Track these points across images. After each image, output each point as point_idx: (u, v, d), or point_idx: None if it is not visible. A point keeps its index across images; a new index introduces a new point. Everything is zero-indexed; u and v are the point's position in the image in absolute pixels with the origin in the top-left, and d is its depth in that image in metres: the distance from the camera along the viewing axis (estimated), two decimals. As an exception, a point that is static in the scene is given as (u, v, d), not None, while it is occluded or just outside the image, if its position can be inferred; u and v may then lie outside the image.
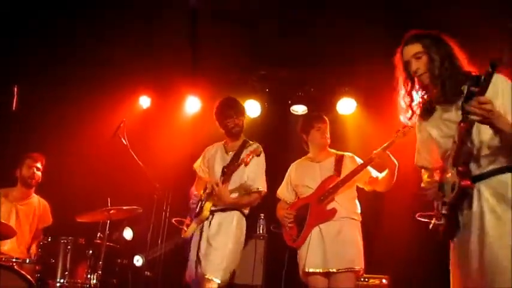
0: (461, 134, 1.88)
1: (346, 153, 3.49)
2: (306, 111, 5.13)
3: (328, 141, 3.50)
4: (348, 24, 4.35)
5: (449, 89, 2.03)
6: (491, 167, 1.94)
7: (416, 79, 2.15)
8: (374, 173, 3.35)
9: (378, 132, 4.70)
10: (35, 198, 4.19)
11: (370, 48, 4.34)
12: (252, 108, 5.19)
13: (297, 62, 4.96)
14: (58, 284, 3.50)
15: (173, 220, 3.97)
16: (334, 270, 3.09)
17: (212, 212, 3.22)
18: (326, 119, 3.59)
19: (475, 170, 1.94)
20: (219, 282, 3.04)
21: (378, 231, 3.46)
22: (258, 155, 3.18)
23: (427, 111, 2.16)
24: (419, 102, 2.18)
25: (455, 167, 1.92)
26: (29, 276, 3.29)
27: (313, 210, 3.28)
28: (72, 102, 4.91)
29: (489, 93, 1.84)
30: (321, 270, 3.13)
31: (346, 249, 3.13)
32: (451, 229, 1.99)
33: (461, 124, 1.88)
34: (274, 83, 5.26)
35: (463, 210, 1.97)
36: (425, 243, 1.96)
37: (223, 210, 3.23)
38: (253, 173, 3.28)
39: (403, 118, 2.25)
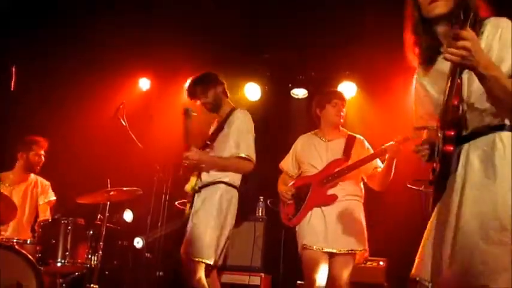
0: (451, 90, 1.60)
1: (357, 136, 3.33)
2: (307, 95, 5.11)
3: (342, 120, 3.34)
4: (348, 8, 4.31)
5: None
6: (478, 125, 1.67)
7: (423, 9, 1.74)
8: (380, 166, 3.20)
9: (378, 116, 4.70)
10: (30, 179, 4.20)
11: (371, 31, 4.31)
12: (252, 91, 5.18)
13: (298, 46, 4.93)
14: (59, 264, 3.51)
15: (176, 203, 3.99)
16: (335, 251, 3.04)
17: (199, 189, 3.06)
18: (345, 97, 3.46)
19: (464, 130, 1.69)
20: (207, 261, 2.85)
21: (376, 214, 3.44)
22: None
23: (428, 60, 1.80)
24: (421, 45, 1.80)
25: (442, 130, 1.67)
26: (30, 256, 3.32)
27: (314, 191, 3.20)
28: (71, 83, 4.90)
29: (487, 36, 1.63)
30: (321, 249, 3.06)
31: (348, 230, 3.06)
32: (438, 197, 1.75)
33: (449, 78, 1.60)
34: (275, 66, 5.23)
35: (450, 175, 1.70)
36: (424, 225, 1.90)
37: (208, 185, 3.04)
38: (235, 137, 3.05)
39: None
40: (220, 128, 3.15)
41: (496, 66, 1.55)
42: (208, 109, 3.25)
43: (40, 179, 4.24)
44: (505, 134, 1.64)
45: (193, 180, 3.10)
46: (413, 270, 1.80)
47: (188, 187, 3.11)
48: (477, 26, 1.65)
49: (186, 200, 3.41)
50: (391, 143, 3.04)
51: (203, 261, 2.85)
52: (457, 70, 1.58)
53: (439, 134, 1.70)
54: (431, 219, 1.80)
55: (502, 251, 1.53)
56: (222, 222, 2.94)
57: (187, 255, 2.91)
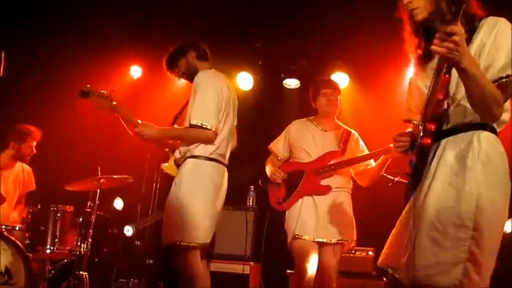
0: (435, 84, 1.63)
1: (352, 131, 3.33)
2: (299, 85, 5.10)
3: (336, 109, 3.31)
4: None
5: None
6: (460, 122, 1.70)
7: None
8: (371, 164, 3.22)
9: (370, 107, 4.72)
10: (18, 164, 4.16)
11: (364, 22, 4.30)
12: (245, 80, 5.16)
13: (291, 36, 4.91)
14: (48, 251, 3.51)
15: None
16: (325, 240, 3.07)
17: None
18: (336, 84, 3.40)
19: (444, 125, 1.73)
20: (183, 243, 2.61)
21: (364, 204, 3.47)
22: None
23: (424, 58, 1.85)
24: (416, 45, 1.86)
25: (423, 123, 1.70)
26: (18, 242, 3.31)
27: (308, 179, 3.19)
28: (62, 69, 4.85)
29: (482, 35, 1.66)
30: (311, 239, 3.08)
31: (338, 221, 3.09)
32: (413, 189, 1.79)
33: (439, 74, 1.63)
34: (268, 55, 5.21)
35: (424, 168, 1.74)
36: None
37: (180, 162, 2.81)
38: (191, 104, 2.75)
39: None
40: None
41: (478, 66, 1.58)
42: (186, 80, 3.01)
43: (25, 166, 4.21)
44: (483, 134, 1.67)
45: (171, 159, 2.93)
46: (380, 259, 1.85)
47: (168, 168, 2.95)
48: (472, 25, 1.69)
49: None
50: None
51: (183, 243, 2.62)
52: (443, 65, 1.60)
53: (420, 127, 1.73)
54: (405, 210, 1.83)
55: (456, 245, 1.58)
56: (191, 199, 2.67)
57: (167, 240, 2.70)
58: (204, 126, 2.69)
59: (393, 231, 1.85)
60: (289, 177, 3.25)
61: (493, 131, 1.70)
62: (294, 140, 3.34)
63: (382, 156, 3.12)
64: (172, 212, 2.69)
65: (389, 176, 2.52)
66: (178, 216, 2.65)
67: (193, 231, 2.64)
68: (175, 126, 2.96)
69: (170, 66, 3.00)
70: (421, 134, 1.69)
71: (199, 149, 2.75)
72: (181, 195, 2.68)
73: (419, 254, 1.61)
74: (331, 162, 3.20)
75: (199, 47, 3.01)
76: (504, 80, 1.61)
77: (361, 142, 3.33)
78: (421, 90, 1.86)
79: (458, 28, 1.45)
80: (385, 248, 1.85)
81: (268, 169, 3.35)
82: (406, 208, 1.81)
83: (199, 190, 2.69)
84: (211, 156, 2.77)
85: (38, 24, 4.69)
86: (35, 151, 4.11)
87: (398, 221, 1.85)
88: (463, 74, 1.54)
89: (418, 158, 1.73)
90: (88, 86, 2.83)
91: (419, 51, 1.85)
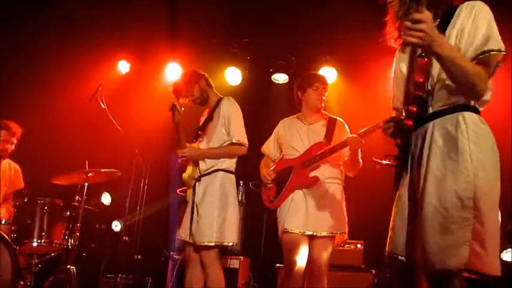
0: (411, 68, 1.70)
1: (338, 119, 3.36)
2: (287, 80, 5.12)
3: (323, 104, 3.36)
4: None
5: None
6: (444, 104, 1.75)
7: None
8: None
9: (358, 102, 4.75)
10: (5, 162, 4.05)
11: (351, 17, 4.33)
12: (233, 75, 5.16)
13: (279, 31, 4.92)
14: (35, 244, 3.47)
15: (178, 191, 4.01)
16: (314, 233, 3.07)
17: (199, 177, 3.24)
18: (327, 81, 3.47)
19: (430, 108, 1.77)
20: (214, 243, 3.05)
21: (353, 197, 3.49)
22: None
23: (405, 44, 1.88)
24: (397, 33, 1.90)
25: (406, 106, 1.75)
26: (5, 235, 3.26)
27: (296, 174, 3.21)
28: (49, 63, 4.80)
29: (462, 19, 1.72)
30: (301, 232, 3.08)
31: (328, 213, 3.09)
32: (401, 173, 1.84)
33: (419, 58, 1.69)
34: (256, 51, 5.22)
35: (415, 152, 1.79)
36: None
37: (207, 173, 3.21)
38: (225, 125, 3.26)
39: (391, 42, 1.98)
40: (210, 118, 3.34)
41: (450, 46, 1.64)
42: (197, 104, 3.44)
43: (13, 164, 4.11)
44: (469, 115, 1.72)
45: (189, 169, 3.31)
46: (387, 247, 1.85)
47: (185, 175, 3.31)
48: (449, 9, 1.76)
49: (185, 187, 3.43)
50: (353, 135, 3.08)
51: (214, 243, 3.05)
52: (417, 49, 1.66)
53: (403, 110, 1.78)
54: (398, 193, 1.86)
55: (462, 226, 1.63)
56: (224, 206, 3.14)
57: (197, 242, 3.09)
58: (244, 144, 3.24)
59: (393, 218, 1.86)
60: (279, 175, 3.28)
61: (476, 111, 1.76)
62: (282, 139, 3.39)
63: (349, 149, 3.13)
64: (209, 215, 3.11)
65: (377, 160, 2.56)
66: (224, 221, 3.09)
67: (234, 234, 3.15)
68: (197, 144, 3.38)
69: (183, 93, 3.39)
70: (404, 117, 1.74)
71: (227, 163, 3.24)
72: (216, 203, 3.13)
73: (430, 240, 1.65)
74: (318, 153, 3.20)
75: (205, 76, 3.47)
76: (485, 54, 1.68)
77: (347, 128, 3.35)
78: (403, 73, 1.89)
79: (424, 15, 1.50)
80: (389, 235, 1.86)
81: (262, 172, 3.41)
82: (401, 193, 1.84)
83: (230, 198, 3.18)
84: (232, 169, 3.28)
85: (23, 17, 4.64)
86: (11, 147, 3.96)
87: (394, 208, 1.87)
88: (438, 57, 1.60)
89: (402, 140, 1.78)
90: (179, 102, 3.29)
91: (399, 34, 1.89)
